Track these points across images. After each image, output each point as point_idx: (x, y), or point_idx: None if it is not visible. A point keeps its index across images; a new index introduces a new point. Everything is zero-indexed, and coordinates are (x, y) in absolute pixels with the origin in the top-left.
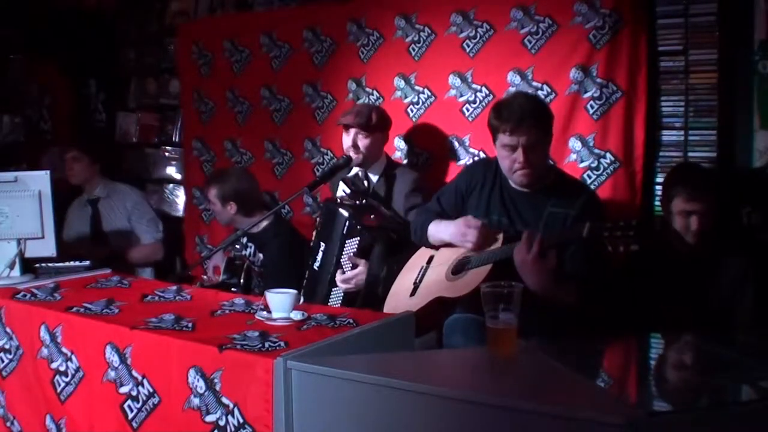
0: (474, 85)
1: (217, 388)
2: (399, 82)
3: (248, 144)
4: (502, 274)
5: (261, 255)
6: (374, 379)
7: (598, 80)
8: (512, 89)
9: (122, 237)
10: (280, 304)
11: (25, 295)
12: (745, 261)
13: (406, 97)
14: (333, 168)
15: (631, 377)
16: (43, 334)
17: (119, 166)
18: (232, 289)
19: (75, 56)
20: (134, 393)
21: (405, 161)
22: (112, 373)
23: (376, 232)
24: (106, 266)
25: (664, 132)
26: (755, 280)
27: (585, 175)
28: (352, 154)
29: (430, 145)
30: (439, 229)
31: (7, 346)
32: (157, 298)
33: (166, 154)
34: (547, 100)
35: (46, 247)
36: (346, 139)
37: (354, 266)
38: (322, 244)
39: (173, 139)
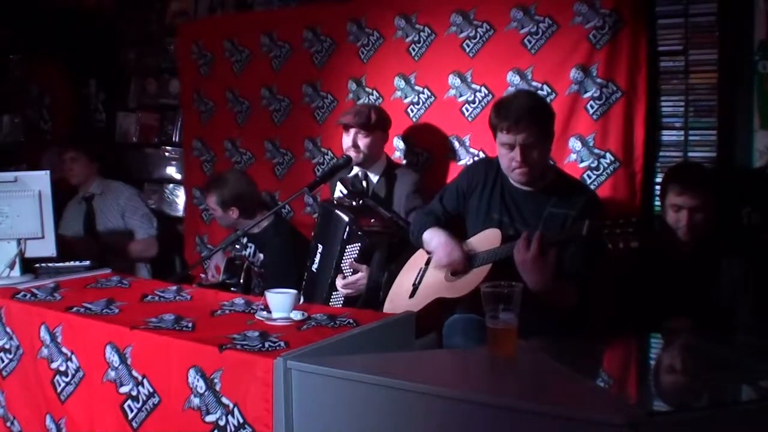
0: (474, 85)
1: (217, 388)
2: (399, 82)
3: (248, 144)
4: (502, 274)
5: (261, 255)
6: (374, 379)
7: (598, 80)
8: (512, 89)
9: (115, 233)
10: (280, 304)
11: (25, 295)
12: (745, 261)
13: (406, 97)
14: (333, 168)
15: (631, 377)
16: (43, 334)
17: (119, 166)
18: (232, 289)
19: (75, 56)
20: (134, 393)
21: (405, 161)
22: (112, 373)
23: (376, 238)
24: (99, 262)
25: (664, 132)
26: (755, 280)
27: (585, 175)
28: (352, 153)
29: (430, 145)
30: (430, 239)
31: (7, 346)
32: (157, 298)
33: (166, 154)
34: (547, 100)
35: (46, 247)
36: (346, 139)
37: (355, 271)
38: (320, 246)
39: (173, 139)
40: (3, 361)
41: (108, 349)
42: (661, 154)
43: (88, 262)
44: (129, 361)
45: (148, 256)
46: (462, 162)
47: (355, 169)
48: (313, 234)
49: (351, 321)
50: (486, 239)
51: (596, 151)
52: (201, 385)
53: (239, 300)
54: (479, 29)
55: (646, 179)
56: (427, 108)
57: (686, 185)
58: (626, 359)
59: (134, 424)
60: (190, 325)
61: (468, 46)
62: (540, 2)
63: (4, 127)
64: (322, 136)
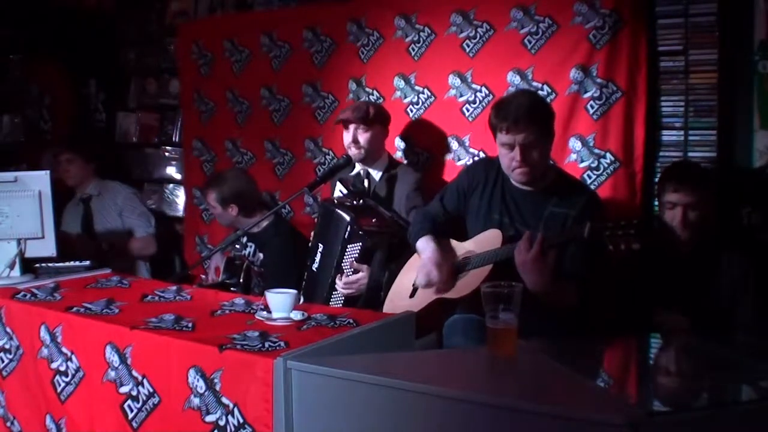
0: (474, 85)
1: (217, 388)
2: (399, 82)
3: (249, 144)
4: (502, 275)
5: (261, 255)
6: (374, 379)
7: (598, 80)
8: (512, 89)
9: (114, 233)
10: (280, 304)
11: (25, 295)
12: (745, 261)
13: (406, 97)
14: (333, 168)
15: (631, 377)
16: (43, 334)
17: (119, 166)
18: (232, 289)
19: (75, 56)
20: (134, 393)
21: (405, 161)
22: (112, 373)
23: (377, 238)
24: (98, 260)
25: (664, 132)
26: (755, 280)
27: (585, 175)
28: (353, 150)
29: (430, 145)
30: (422, 249)
31: (7, 346)
32: (157, 298)
33: (166, 154)
34: (547, 100)
35: (46, 247)
36: (347, 136)
37: (355, 271)
38: (321, 245)
39: (173, 139)
40: (3, 361)
41: (108, 349)
42: (661, 154)
43: (88, 262)
44: (129, 361)
45: (147, 254)
46: (462, 162)
47: (357, 167)
48: (313, 233)
49: (351, 321)
50: (486, 240)
51: (596, 151)
52: (201, 385)
53: (239, 300)
54: (479, 29)
55: (646, 179)
56: (427, 108)
57: (681, 182)
58: (626, 359)
59: (134, 424)
60: (190, 325)
61: (468, 46)
62: (540, 2)
63: (4, 127)
64: (323, 136)
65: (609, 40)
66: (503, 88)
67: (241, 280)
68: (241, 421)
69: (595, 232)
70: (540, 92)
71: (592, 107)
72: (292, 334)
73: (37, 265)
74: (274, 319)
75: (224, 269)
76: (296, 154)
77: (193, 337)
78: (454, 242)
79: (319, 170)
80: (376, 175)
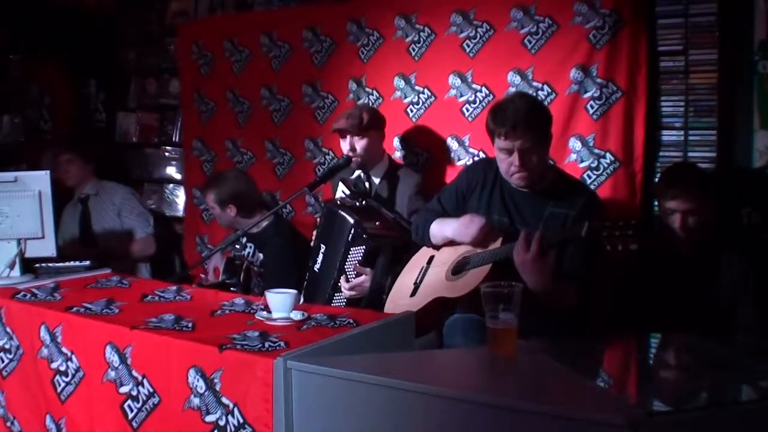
0: (474, 85)
1: (217, 388)
2: (399, 82)
3: (249, 144)
4: (501, 274)
5: (261, 255)
6: (374, 379)
7: (598, 80)
8: (512, 89)
9: (112, 233)
10: (280, 304)
11: (25, 295)
12: (745, 261)
13: (406, 97)
14: (333, 168)
15: (631, 377)
16: (43, 334)
17: (119, 166)
18: (232, 289)
19: (75, 56)
20: (134, 393)
21: (405, 161)
22: (112, 373)
23: (381, 241)
24: (96, 264)
25: (664, 132)
26: (755, 280)
27: (585, 175)
28: (351, 157)
29: (430, 145)
30: (442, 227)
31: (7, 346)
32: (157, 298)
33: (166, 154)
34: (547, 100)
35: (46, 247)
36: (344, 144)
37: (358, 274)
38: (323, 246)
39: (173, 139)
40: (3, 361)
41: (108, 349)
42: (661, 154)
43: (88, 262)
44: (129, 361)
45: (147, 254)
46: (462, 162)
47: (357, 171)
48: (315, 234)
49: (351, 321)
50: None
51: (596, 151)
52: (201, 385)
53: (239, 300)
54: (479, 29)
55: (646, 179)
56: (427, 108)
57: (679, 190)
58: (626, 359)
59: (134, 424)
60: (190, 325)
61: (468, 46)
62: (540, 2)
63: (4, 127)
64: (323, 136)
65: (609, 40)
66: (503, 88)
67: (241, 281)
68: (241, 421)
69: (593, 232)
70: (540, 92)
71: (592, 107)
72: (292, 334)
73: (37, 265)
74: (274, 319)
75: (224, 269)
76: (296, 154)
77: (193, 337)
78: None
79: (319, 170)
80: (376, 179)
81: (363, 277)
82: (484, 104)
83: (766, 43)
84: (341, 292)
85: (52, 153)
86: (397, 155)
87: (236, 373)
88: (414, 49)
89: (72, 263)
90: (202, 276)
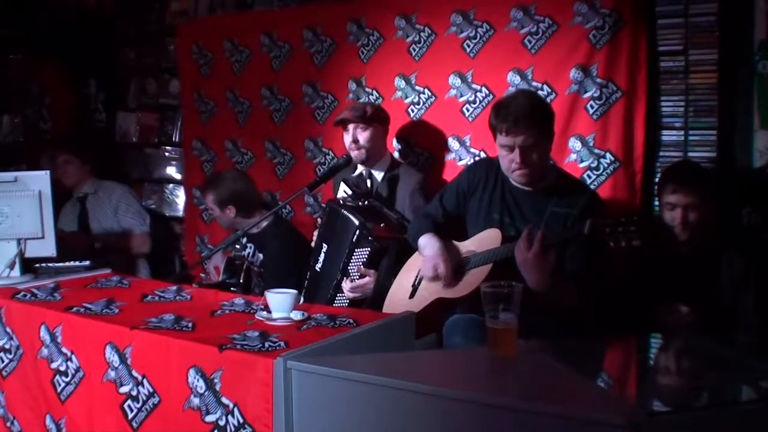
0: (474, 85)
1: (217, 388)
2: (399, 82)
3: (249, 144)
4: (502, 274)
5: (261, 255)
6: (374, 379)
7: (598, 80)
8: (512, 89)
9: (109, 233)
10: (280, 304)
11: (25, 295)
12: (745, 261)
13: (406, 97)
14: (333, 168)
15: (631, 377)
16: (43, 334)
17: (119, 166)
18: (232, 289)
19: (75, 56)
20: (134, 393)
21: (406, 161)
22: (112, 373)
23: (385, 243)
24: (91, 256)
25: (664, 132)
26: (755, 279)
27: (585, 175)
28: (354, 152)
29: (431, 145)
30: (424, 246)
31: (7, 346)
32: (157, 298)
33: (166, 154)
34: (547, 100)
35: (46, 247)
36: (347, 137)
37: (362, 276)
38: (325, 245)
39: (173, 139)
40: (3, 361)
41: (108, 349)
42: (661, 154)
43: (88, 262)
44: (129, 361)
45: (140, 252)
46: (462, 162)
47: (359, 168)
48: (317, 233)
49: (351, 321)
50: (486, 239)
51: (596, 151)
52: (201, 385)
53: (239, 300)
54: (479, 29)
55: (646, 179)
56: (428, 108)
57: (680, 183)
58: (626, 359)
59: (134, 424)
60: (190, 325)
61: (468, 46)
62: (540, 2)
63: (4, 127)
64: (323, 136)
65: (609, 40)
66: (503, 88)
67: (242, 281)
68: (241, 421)
69: (596, 229)
70: (540, 92)
71: (592, 107)
72: (292, 334)
73: (37, 265)
74: (274, 319)
75: (224, 269)
76: (296, 154)
77: (193, 337)
78: (453, 242)
79: (319, 170)
80: (379, 175)
81: (366, 279)
82: (484, 104)
83: (766, 43)
84: (344, 292)
85: (49, 154)
86: (398, 155)
87: (236, 373)
88: (414, 49)
89: (72, 263)
90: (203, 275)
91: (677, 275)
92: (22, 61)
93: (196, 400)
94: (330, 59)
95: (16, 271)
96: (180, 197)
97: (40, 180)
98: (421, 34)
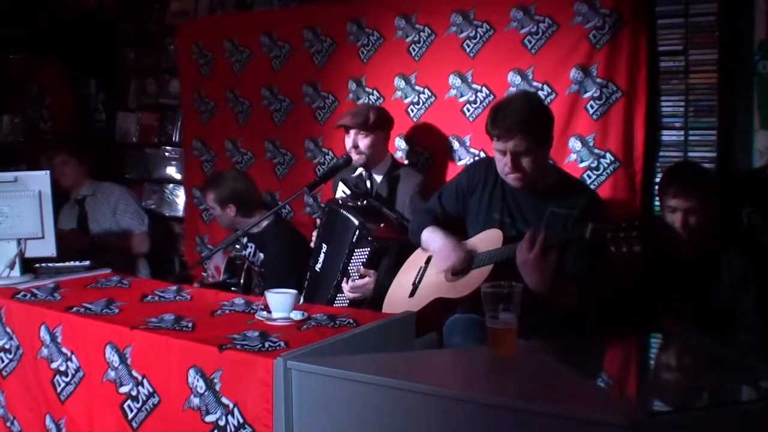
0: (474, 85)
1: (217, 388)
2: (399, 82)
3: (249, 144)
4: (503, 275)
5: (261, 255)
6: (374, 379)
7: (598, 80)
8: (512, 89)
9: (109, 233)
10: (280, 304)
11: (25, 295)
12: (745, 261)
13: (406, 97)
14: (333, 168)
15: (631, 377)
16: (43, 334)
17: (119, 166)
18: (232, 288)
19: (75, 56)
20: (134, 393)
21: (406, 161)
22: (112, 373)
23: (385, 243)
24: (90, 255)
25: (664, 132)
26: (755, 280)
27: (585, 175)
28: (354, 155)
29: (431, 146)
30: (430, 239)
31: (7, 346)
32: (157, 298)
33: (166, 154)
34: (547, 100)
35: (46, 247)
36: (348, 141)
37: (362, 276)
38: (325, 245)
39: (173, 139)
40: (3, 361)
41: (108, 349)
42: (661, 154)
43: (88, 262)
44: (129, 361)
45: (140, 252)
46: (462, 162)
47: (359, 169)
48: (316, 233)
49: (351, 321)
50: (487, 240)
51: (596, 151)
52: (201, 385)
53: (239, 300)
54: (479, 29)
55: (646, 179)
56: (428, 108)
57: (680, 188)
58: (626, 359)
59: (134, 424)
60: (190, 325)
61: (468, 46)
62: (540, 2)
63: (4, 127)
64: (324, 136)
65: (609, 40)
66: (504, 89)
67: (242, 281)
68: (241, 421)
69: (597, 233)
70: (540, 92)
71: (592, 107)
72: (292, 334)
73: (37, 265)
74: (274, 319)
75: (225, 269)
76: (296, 154)
77: (193, 337)
78: None
79: (319, 170)
80: (379, 177)
81: (366, 279)
82: (484, 104)
83: (766, 43)
84: (344, 293)
85: (47, 154)
86: (398, 155)
87: (236, 373)
88: (414, 49)
89: (72, 263)
90: (204, 275)
91: (677, 275)
92: (22, 61)
93: (196, 400)
94: (330, 59)
95: (16, 271)
96: (180, 197)
97: (40, 180)
98: (421, 34)
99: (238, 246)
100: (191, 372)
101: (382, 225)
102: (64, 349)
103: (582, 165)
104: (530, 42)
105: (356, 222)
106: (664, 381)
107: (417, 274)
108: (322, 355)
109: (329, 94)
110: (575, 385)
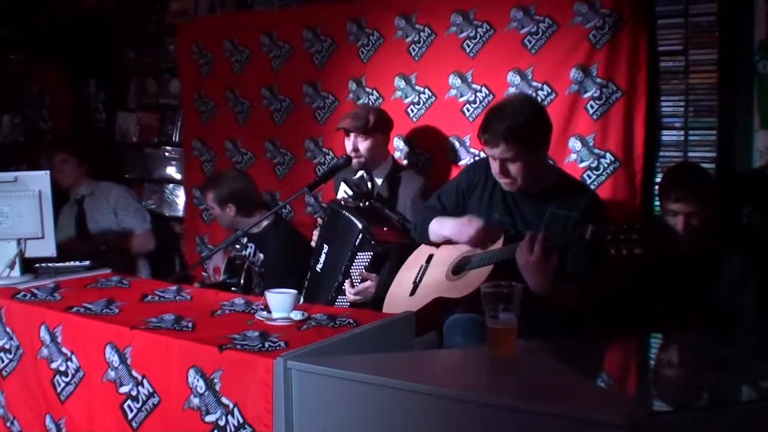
0: (474, 85)
1: (217, 388)
2: (399, 82)
3: (249, 144)
4: (503, 275)
5: (261, 255)
6: (374, 379)
7: (598, 80)
8: (512, 89)
9: (108, 233)
10: (280, 304)
11: (25, 295)
12: (745, 261)
13: (406, 97)
14: (333, 168)
15: (631, 377)
16: (43, 334)
17: (119, 166)
18: (232, 289)
19: (75, 56)
20: (134, 393)
21: (405, 162)
22: (112, 373)
23: (388, 247)
24: (95, 259)
25: (664, 132)
26: (755, 280)
27: (585, 175)
28: (354, 158)
29: (431, 146)
30: (441, 225)
31: (7, 346)
32: (157, 298)
33: (166, 154)
34: (547, 100)
35: (46, 247)
36: (348, 144)
37: (363, 280)
38: (326, 246)
39: (173, 139)
40: (3, 361)
41: (108, 349)
42: (661, 154)
43: (88, 262)
44: (129, 361)
45: (146, 250)
46: (462, 162)
47: (360, 171)
48: (318, 233)
49: (351, 321)
50: None
51: (596, 151)
52: (201, 385)
53: (239, 300)
54: (479, 29)
55: (646, 179)
56: (428, 108)
57: (682, 192)
58: (626, 359)
59: (134, 424)
60: (190, 325)
61: (468, 46)
62: (540, 2)
63: (4, 127)
64: (324, 136)
65: (609, 40)
66: (503, 88)
67: (242, 281)
68: (241, 421)
69: (597, 235)
70: (540, 92)
71: (592, 107)
72: (292, 334)
73: (37, 265)
74: (274, 319)
75: (225, 269)
76: (296, 154)
77: (193, 337)
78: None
79: (319, 170)
80: (379, 179)
81: (368, 283)
82: (484, 104)
83: (766, 43)
84: (345, 294)
85: (47, 154)
86: (398, 155)
87: (236, 373)
88: (414, 49)
89: (72, 263)
90: (204, 274)
91: (677, 275)
92: (22, 61)
93: (196, 400)
94: (330, 59)
95: (16, 271)
96: (180, 197)
97: (40, 180)
98: (421, 34)
99: (238, 246)
100: (191, 372)
101: (385, 229)
102: (64, 349)
103: (582, 165)
104: (530, 42)
105: (360, 225)
106: (664, 381)
107: (418, 273)
108: (322, 355)
109: (329, 94)
110: (575, 385)
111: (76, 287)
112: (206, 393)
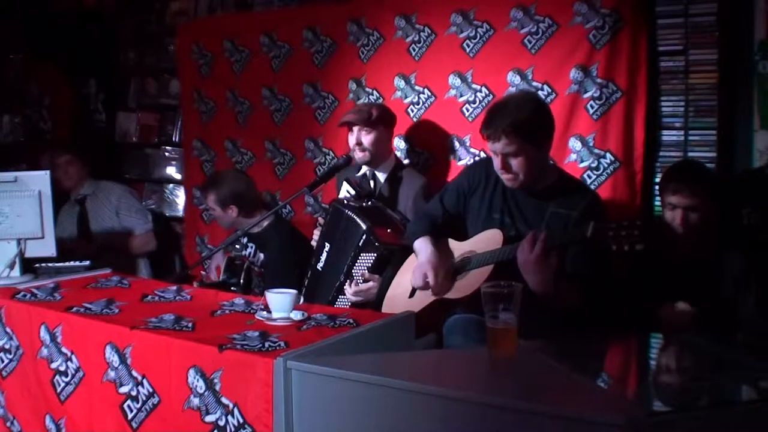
0: (474, 85)
1: (217, 388)
2: (399, 82)
3: (249, 144)
4: (503, 276)
5: (261, 255)
6: (374, 379)
7: (598, 80)
8: (512, 89)
9: (110, 233)
10: (280, 304)
11: (25, 295)
12: (745, 261)
13: (406, 97)
14: (333, 168)
15: (631, 377)
16: (43, 334)
17: (119, 166)
18: (232, 288)
19: (75, 56)
20: (134, 393)
21: (406, 161)
22: (112, 373)
23: (392, 249)
24: (97, 260)
25: (664, 132)
26: (755, 280)
27: (585, 175)
28: (358, 153)
29: (431, 146)
30: (419, 249)
31: (7, 346)
32: (157, 298)
33: (166, 154)
34: (547, 100)
35: (46, 247)
36: (351, 139)
37: (366, 281)
38: (328, 245)
39: (173, 139)
40: (3, 361)
41: (108, 349)
42: (661, 154)
43: (88, 262)
44: (129, 361)
45: (148, 250)
46: (463, 162)
47: (363, 168)
48: (319, 232)
49: (351, 321)
50: (487, 240)
51: (596, 151)
52: (201, 385)
53: (239, 300)
54: (479, 29)
55: (646, 179)
56: (428, 108)
57: (681, 184)
58: (626, 359)
59: (134, 424)
60: (190, 325)
61: (468, 46)
62: (540, 2)
63: (4, 127)
64: (324, 136)
65: (609, 40)
66: (503, 88)
67: (242, 281)
68: (241, 421)
69: (599, 232)
70: (540, 92)
71: (592, 107)
72: (292, 334)
73: (37, 265)
74: (274, 319)
75: (225, 269)
76: (296, 154)
77: (193, 337)
78: (454, 242)
79: (319, 170)
80: (382, 176)
81: (370, 284)
82: (484, 104)
83: (766, 43)
84: (346, 294)
85: (50, 154)
86: (398, 155)
87: (236, 373)
88: (414, 49)
89: (72, 263)
90: (203, 273)
91: (677, 275)
92: (22, 61)
93: (195, 400)
94: (330, 59)
95: (16, 271)
96: (180, 197)
97: (40, 180)
98: (421, 34)
99: (238, 246)
100: (191, 372)
101: (389, 230)
102: (64, 349)
103: (582, 165)
104: (530, 42)
105: (364, 226)
106: (664, 381)
107: (413, 275)
108: (322, 355)
109: (329, 94)
110: (575, 385)
111: (76, 287)
112: (206, 393)
